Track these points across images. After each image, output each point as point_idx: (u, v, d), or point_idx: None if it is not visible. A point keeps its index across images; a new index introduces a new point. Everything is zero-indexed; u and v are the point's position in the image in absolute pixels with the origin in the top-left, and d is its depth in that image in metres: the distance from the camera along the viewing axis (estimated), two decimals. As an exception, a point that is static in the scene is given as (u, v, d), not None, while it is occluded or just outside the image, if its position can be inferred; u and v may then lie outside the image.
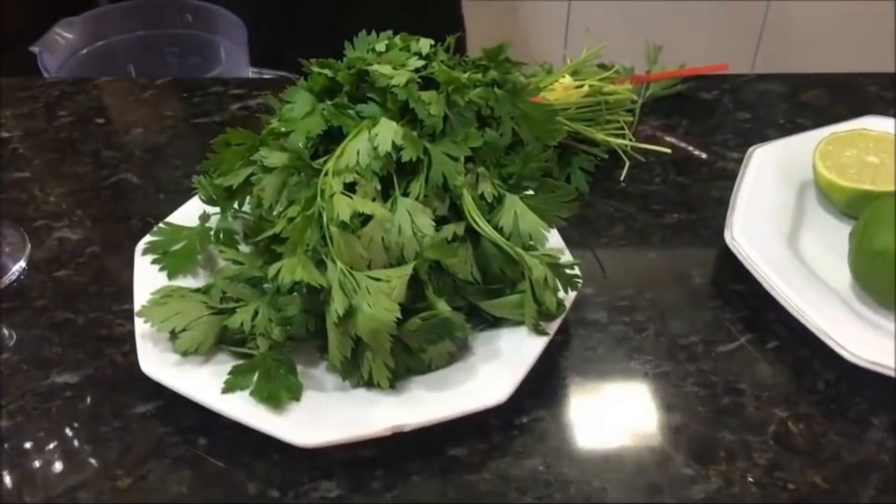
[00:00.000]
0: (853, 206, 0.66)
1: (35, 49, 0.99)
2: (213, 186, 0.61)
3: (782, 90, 0.86)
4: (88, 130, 0.79)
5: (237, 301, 0.56)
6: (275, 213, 0.57)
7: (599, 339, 0.60)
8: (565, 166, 0.74)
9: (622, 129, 0.76)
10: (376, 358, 0.52)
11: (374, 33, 0.66)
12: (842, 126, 0.73)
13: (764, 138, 0.79)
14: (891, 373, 0.53)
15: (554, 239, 0.62)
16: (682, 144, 0.79)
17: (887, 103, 0.85)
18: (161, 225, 0.63)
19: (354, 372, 0.53)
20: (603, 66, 0.81)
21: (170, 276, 0.60)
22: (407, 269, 0.52)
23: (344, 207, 0.51)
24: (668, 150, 0.74)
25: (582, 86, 0.73)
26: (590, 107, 0.74)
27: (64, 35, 1.06)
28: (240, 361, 0.54)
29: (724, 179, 0.74)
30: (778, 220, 0.66)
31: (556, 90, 0.72)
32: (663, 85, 0.83)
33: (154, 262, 0.60)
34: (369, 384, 0.53)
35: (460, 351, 0.56)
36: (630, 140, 0.76)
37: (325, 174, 0.54)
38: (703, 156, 0.77)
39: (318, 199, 0.53)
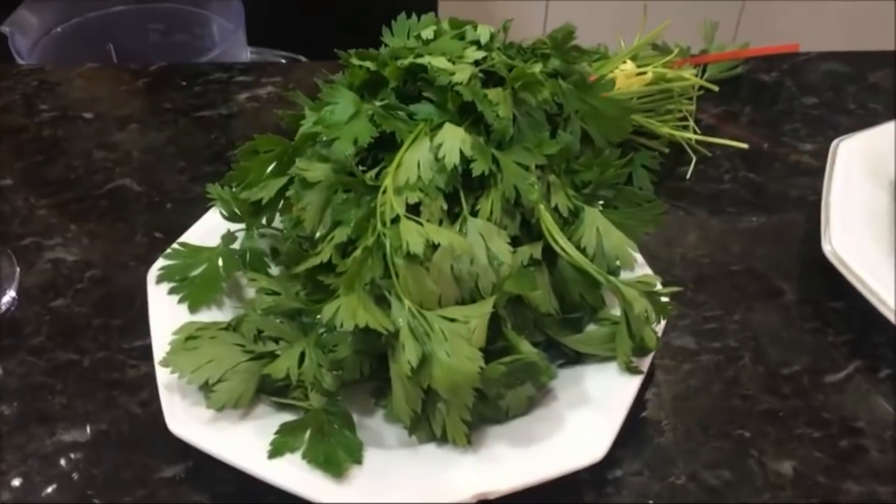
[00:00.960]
0: (960, 209, 0.59)
1: (5, 30, 0.88)
2: (237, 200, 0.52)
3: (847, 70, 0.78)
4: (76, 127, 0.69)
5: (276, 341, 0.48)
6: (317, 235, 0.49)
7: (690, 372, 0.52)
8: (625, 164, 0.65)
9: (685, 119, 0.68)
10: (451, 412, 0.44)
11: (413, 16, 0.57)
12: (928, 115, 0.66)
13: (836, 126, 0.71)
14: None
15: (637, 257, 0.54)
16: (751, 131, 0.71)
17: (958, 84, 0.77)
18: (176, 246, 0.53)
19: (424, 426, 0.45)
20: (657, 48, 0.73)
21: (191, 310, 0.51)
22: (487, 306, 0.44)
23: (415, 237, 0.42)
24: (745, 145, 0.66)
25: (645, 72, 0.64)
26: (651, 96, 0.66)
27: (34, 12, 0.95)
28: (284, 414, 0.46)
29: (800, 175, 0.66)
30: (875, 224, 0.59)
31: (616, 78, 0.63)
32: (721, 68, 0.75)
33: (172, 291, 0.51)
34: (442, 439, 0.45)
35: (540, 394, 0.48)
36: (695, 131, 0.68)
37: (384, 192, 0.45)
38: (776, 141, 0.70)
39: (378, 223, 0.44)
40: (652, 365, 0.52)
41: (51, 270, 0.57)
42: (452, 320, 0.43)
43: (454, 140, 0.47)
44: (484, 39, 0.53)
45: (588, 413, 0.46)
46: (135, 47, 1.01)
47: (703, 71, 0.74)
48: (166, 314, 0.50)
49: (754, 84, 0.76)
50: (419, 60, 0.51)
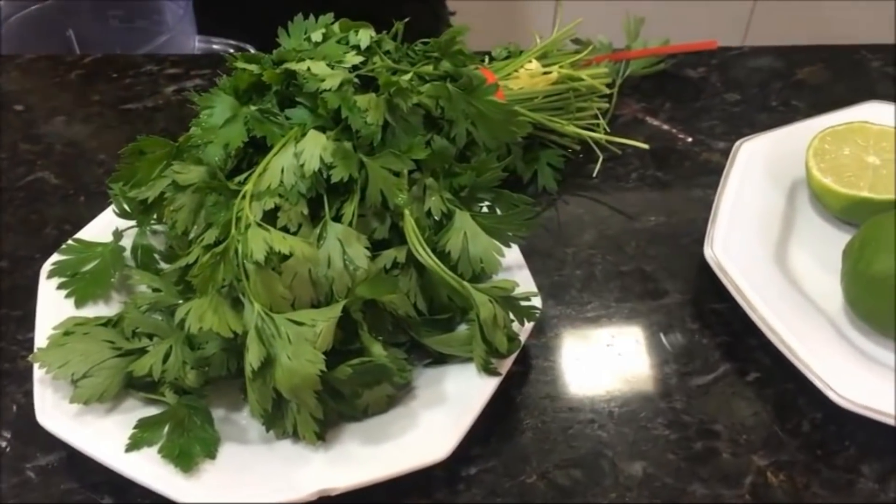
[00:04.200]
0: (850, 214, 0.59)
1: (-36, 16, 0.90)
2: (127, 198, 0.54)
3: (777, 66, 0.78)
4: (7, 119, 0.72)
5: (150, 337, 0.50)
6: (191, 236, 0.50)
7: (561, 372, 0.54)
8: (532, 162, 0.66)
9: (597, 117, 0.69)
10: (302, 410, 0.46)
11: (311, 17, 0.58)
12: (839, 115, 0.66)
13: (754, 124, 0.72)
14: (888, 420, 0.47)
15: (513, 255, 0.55)
16: (666, 128, 0.72)
17: (892, 80, 0.77)
18: (70, 242, 0.56)
19: (279, 423, 0.47)
20: (578, 43, 0.73)
21: (77, 305, 0.53)
22: (334, 311, 0.45)
23: (259, 244, 0.44)
24: (646, 146, 0.67)
25: (550, 72, 0.65)
26: (559, 94, 0.66)
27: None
28: (152, 408, 0.48)
29: (708, 175, 0.67)
30: (765, 228, 0.59)
31: (520, 78, 0.64)
32: (644, 63, 0.75)
33: (61, 286, 0.54)
34: (297, 436, 0.47)
35: (403, 392, 0.49)
36: (605, 131, 0.68)
37: (243, 197, 0.47)
38: (689, 140, 0.70)
39: (233, 229, 0.46)
40: (525, 365, 0.54)
41: (-39, 262, 0.60)
42: (299, 324, 0.44)
43: (315, 146, 0.48)
44: (364, 44, 0.54)
45: (442, 412, 0.48)
46: (95, 34, 1.03)
47: (626, 67, 0.74)
48: (53, 309, 0.52)
49: (679, 80, 0.77)
50: (296, 65, 0.52)
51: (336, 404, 0.47)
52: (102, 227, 0.57)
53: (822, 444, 0.50)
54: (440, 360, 0.51)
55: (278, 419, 0.47)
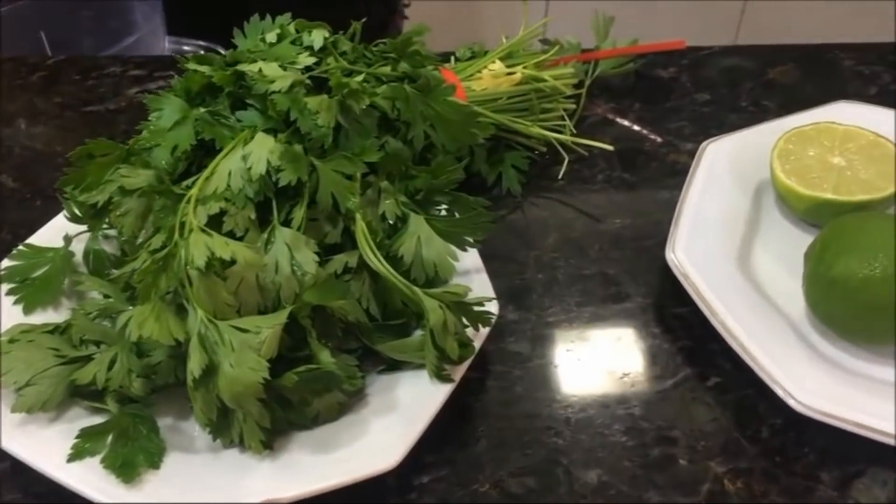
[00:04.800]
0: (814, 216, 0.58)
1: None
2: (77, 203, 0.53)
3: (749, 65, 0.77)
4: (-32, 121, 0.71)
5: (98, 345, 0.49)
6: (139, 241, 0.49)
7: (518, 377, 0.53)
8: (496, 164, 0.65)
9: (563, 118, 0.68)
10: (248, 419, 0.45)
11: (268, 17, 0.58)
12: (808, 115, 0.65)
13: (723, 124, 0.71)
14: (847, 426, 0.46)
15: (471, 259, 0.55)
16: (636, 129, 0.71)
17: (865, 80, 0.76)
18: (21, 247, 0.55)
19: (225, 432, 0.46)
20: (547, 43, 0.73)
21: (26, 311, 0.52)
22: (280, 318, 0.44)
23: (200, 249, 0.43)
24: (611, 147, 0.66)
25: (514, 72, 0.64)
26: (524, 95, 0.65)
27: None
28: (98, 417, 0.47)
29: (675, 176, 0.66)
30: (729, 230, 0.58)
31: (483, 79, 0.63)
32: (614, 63, 0.74)
33: (10, 292, 0.53)
34: (244, 445, 0.46)
35: (355, 399, 0.49)
36: (571, 132, 0.67)
37: (188, 202, 0.46)
38: (657, 141, 0.69)
39: (176, 234, 0.45)
40: (483, 371, 0.53)
41: (-87, 267, 0.59)
42: (244, 331, 0.44)
43: (262, 149, 0.47)
44: (318, 44, 0.54)
45: (392, 420, 0.47)
46: (67, 35, 1.02)
47: (595, 67, 0.74)
48: (5, 315, 0.51)
49: (650, 80, 0.76)
50: (248, 66, 0.51)
51: (285, 412, 0.46)
52: (55, 231, 0.56)
53: (781, 450, 0.49)
54: (394, 366, 0.50)
55: (224, 428, 0.46)
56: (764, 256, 0.58)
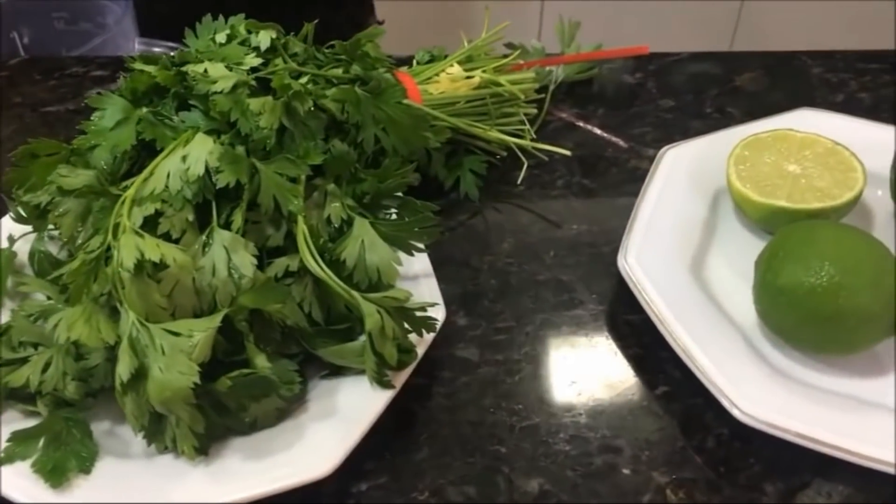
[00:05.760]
0: (769, 223, 0.58)
1: None
2: (22, 203, 0.53)
3: (716, 72, 0.77)
4: (-75, 121, 0.70)
5: (36, 347, 0.48)
6: (78, 241, 0.49)
7: (465, 384, 0.52)
8: (455, 168, 0.65)
9: (524, 123, 0.67)
10: (181, 424, 0.44)
11: (221, 18, 0.57)
12: (770, 122, 0.64)
13: (686, 131, 0.70)
14: (791, 437, 0.46)
15: (421, 264, 0.54)
16: (598, 133, 0.70)
17: (832, 87, 0.76)
18: (-35, 248, 0.54)
19: (160, 437, 0.45)
20: (512, 47, 0.72)
21: (-34, 314, 0.51)
22: (213, 321, 0.44)
23: (130, 251, 0.43)
24: (568, 153, 0.65)
25: (473, 76, 0.63)
26: (483, 99, 0.65)
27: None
28: (33, 420, 0.46)
29: (635, 182, 0.65)
30: (685, 238, 0.58)
31: (440, 82, 0.62)
32: (578, 68, 0.73)
33: (-49, 294, 0.52)
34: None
35: (295, 405, 0.48)
36: (531, 136, 0.67)
37: (122, 202, 0.46)
38: (619, 147, 0.69)
39: (109, 235, 0.44)
40: (429, 377, 0.53)
41: None
42: (176, 334, 0.43)
43: (201, 150, 0.47)
44: (265, 45, 0.53)
45: (331, 426, 0.46)
46: (41, 36, 1.02)
47: (559, 72, 0.73)
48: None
49: (615, 85, 0.75)
50: (194, 67, 0.51)
51: (221, 417, 0.46)
52: (3, 232, 0.56)
53: (726, 460, 0.48)
54: (337, 371, 0.49)
55: (159, 433, 0.45)
56: (719, 264, 0.57)
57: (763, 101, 0.73)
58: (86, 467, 0.44)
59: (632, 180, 0.66)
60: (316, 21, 0.58)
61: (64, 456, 0.44)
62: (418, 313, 0.48)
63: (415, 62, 0.68)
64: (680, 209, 0.59)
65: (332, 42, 0.57)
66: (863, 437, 0.46)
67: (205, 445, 0.45)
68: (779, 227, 0.55)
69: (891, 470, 0.44)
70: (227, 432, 0.46)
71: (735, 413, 0.47)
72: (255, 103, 0.49)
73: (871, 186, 0.61)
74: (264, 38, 0.53)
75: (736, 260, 0.57)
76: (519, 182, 0.66)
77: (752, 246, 0.58)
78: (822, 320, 0.48)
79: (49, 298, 0.51)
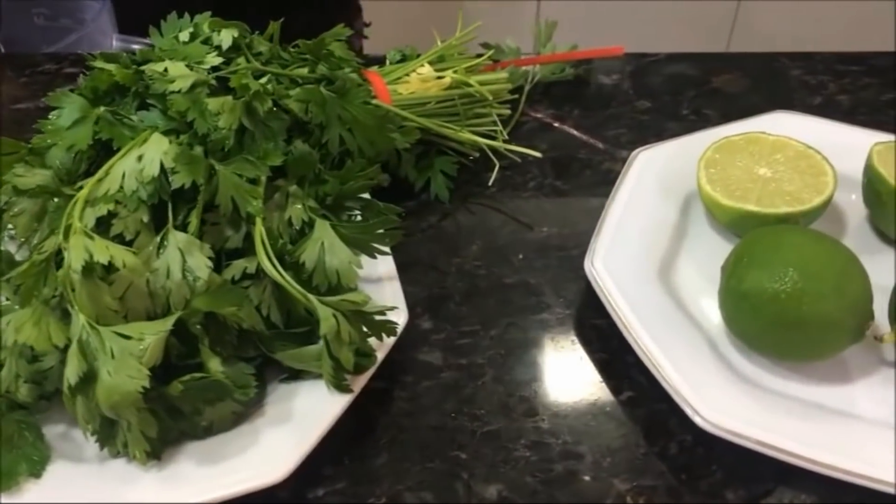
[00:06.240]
0: (738, 227, 0.57)
1: None
2: (-19, 202, 0.52)
3: (693, 73, 0.76)
4: None
5: (-8, 348, 0.48)
6: (34, 242, 0.48)
7: (427, 388, 0.51)
8: (426, 169, 0.64)
9: (496, 124, 0.67)
10: (133, 428, 0.43)
11: (186, 15, 0.57)
12: (744, 125, 0.64)
13: (662, 133, 0.70)
14: (753, 445, 0.45)
15: (385, 266, 0.53)
16: (574, 134, 0.70)
17: (811, 89, 0.75)
18: (-76, 248, 0.53)
19: (112, 441, 0.45)
20: (487, 47, 0.72)
21: (-79, 313, 0.51)
22: (165, 324, 0.43)
23: (79, 252, 0.42)
24: (539, 154, 0.65)
25: (444, 76, 0.63)
26: (455, 100, 0.64)
27: None
28: (-15, 423, 0.46)
29: (608, 185, 0.64)
30: (654, 241, 0.57)
31: (411, 82, 0.62)
32: (553, 69, 0.73)
33: None
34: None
35: (253, 409, 0.47)
36: (503, 137, 0.66)
37: (75, 203, 0.45)
38: (593, 148, 0.68)
39: (60, 236, 0.44)
40: (391, 381, 0.52)
41: None
42: (126, 337, 0.42)
43: (157, 150, 0.46)
44: (226, 44, 0.52)
45: (287, 431, 0.46)
46: (21, 33, 1.01)
47: (535, 72, 0.72)
48: None
49: (591, 86, 0.75)
50: (155, 66, 0.50)
51: (175, 422, 0.45)
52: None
53: (688, 467, 0.48)
54: (296, 375, 0.49)
55: (111, 437, 0.45)
56: (688, 268, 0.57)
57: (741, 104, 0.73)
58: (36, 471, 0.44)
59: (605, 182, 0.65)
60: (282, 20, 0.57)
61: (15, 459, 0.44)
62: (377, 317, 0.47)
63: (388, 62, 0.67)
64: (650, 212, 0.59)
65: (298, 41, 0.56)
66: (825, 445, 0.45)
67: (157, 450, 0.44)
68: (747, 231, 0.54)
69: (852, 479, 0.44)
70: (181, 436, 0.46)
71: (697, 420, 0.46)
72: (213, 103, 0.48)
73: (845, 190, 0.60)
74: (226, 36, 0.52)
75: (705, 264, 0.56)
76: (490, 183, 0.65)
77: (722, 250, 0.57)
78: (786, 327, 0.47)
79: (8, 300, 0.50)
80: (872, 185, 0.56)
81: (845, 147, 0.61)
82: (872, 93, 0.74)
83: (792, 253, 0.47)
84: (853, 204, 0.61)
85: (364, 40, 1.07)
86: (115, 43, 0.93)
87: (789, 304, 0.46)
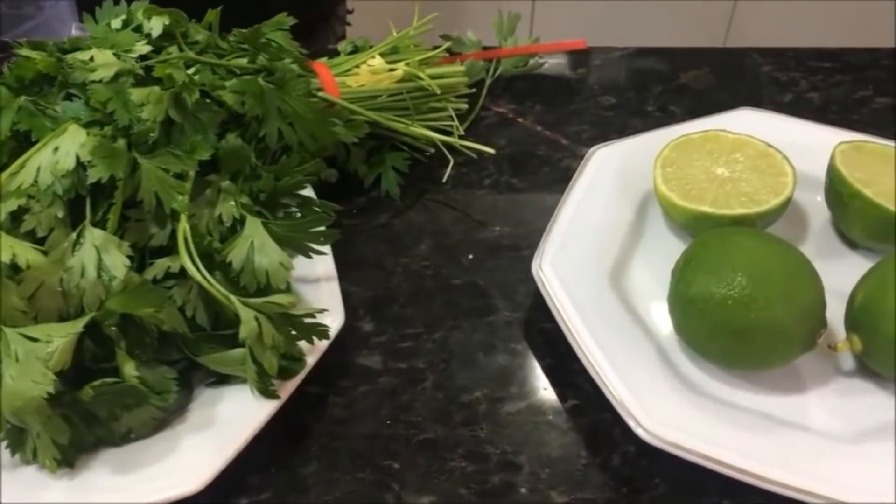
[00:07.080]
0: (694, 229, 0.55)
1: None
2: None
3: (660, 68, 0.74)
4: None
5: None
6: (-51, 238, 0.46)
7: (364, 394, 0.49)
8: (377, 165, 0.62)
9: (452, 119, 0.64)
10: (42, 435, 0.41)
11: (123, 3, 0.54)
12: (705, 123, 0.61)
13: (624, 129, 0.68)
14: (695, 459, 0.43)
15: (324, 266, 0.51)
16: (536, 130, 0.67)
17: (781, 86, 0.73)
18: None
19: (22, 447, 0.43)
20: (448, 38, 0.69)
21: None
22: (76, 326, 0.41)
23: (-20, 250, 0.40)
24: (492, 151, 0.63)
25: (396, 69, 0.60)
26: (408, 93, 0.62)
27: None
28: None
29: (566, 182, 0.62)
30: (607, 243, 0.55)
31: (360, 75, 0.59)
32: (515, 62, 0.71)
33: None
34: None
35: (175, 415, 0.45)
36: (459, 133, 0.64)
37: (-14, 198, 0.43)
38: (552, 145, 0.66)
39: (-32, 232, 0.42)
40: (326, 386, 0.50)
41: None
42: (34, 340, 0.40)
43: (73, 143, 0.44)
44: (156, 32, 0.50)
45: (208, 438, 0.44)
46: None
47: (497, 66, 0.70)
48: None
49: (555, 81, 0.72)
50: (81, 54, 0.48)
51: (90, 428, 0.43)
52: None
53: (629, 480, 0.46)
54: (222, 379, 0.47)
55: (21, 443, 0.43)
56: (642, 271, 0.55)
57: (708, 100, 0.70)
58: (-59, 478, 0.42)
59: (563, 180, 0.63)
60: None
61: (-79, 466, 0.42)
62: (307, 320, 0.45)
63: (340, 53, 0.65)
64: (605, 212, 0.56)
65: (236, 30, 0.54)
66: (773, 460, 0.43)
67: (70, 457, 0.42)
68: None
69: (801, 497, 0.42)
70: (99, 443, 0.44)
71: (639, 432, 0.44)
72: (138, 94, 0.46)
73: (809, 191, 0.58)
74: (157, 24, 0.50)
75: (659, 267, 0.54)
76: (445, 180, 0.63)
77: (678, 253, 0.55)
78: (734, 334, 0.45)
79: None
80: (834, 185, 0.54)
81: (811, 146, 0.59)
82: (845, 90, 0.72)
83: (741, 256, 0.45)
84: (818, 206, 0.59)
85: (347, 27, 1.05)
86: (73, 31, 0.91)
87: (737, 310, 0.44)
